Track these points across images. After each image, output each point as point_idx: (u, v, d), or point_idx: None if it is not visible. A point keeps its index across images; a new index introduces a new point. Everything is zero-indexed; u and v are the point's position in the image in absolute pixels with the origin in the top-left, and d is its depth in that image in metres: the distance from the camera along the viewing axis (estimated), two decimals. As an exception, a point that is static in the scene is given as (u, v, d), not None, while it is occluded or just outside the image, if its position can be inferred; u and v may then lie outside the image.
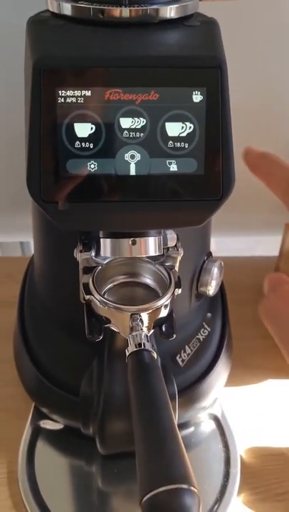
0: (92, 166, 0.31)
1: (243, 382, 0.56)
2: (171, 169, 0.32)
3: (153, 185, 0.32)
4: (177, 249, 0.40)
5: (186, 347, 0.48)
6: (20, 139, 0.34)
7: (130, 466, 0.45)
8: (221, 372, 0.50)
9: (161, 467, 0.28)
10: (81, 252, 0.38)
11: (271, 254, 0.71)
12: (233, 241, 0.80)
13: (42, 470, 0.46)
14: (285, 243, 0.67)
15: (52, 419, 0.48)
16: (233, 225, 0.71)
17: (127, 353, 0.36)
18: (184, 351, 0.48)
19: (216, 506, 0.44)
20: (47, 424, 0.49)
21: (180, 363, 0.47)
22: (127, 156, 0.32)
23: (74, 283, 0.40)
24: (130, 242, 0.35)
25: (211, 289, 0.48)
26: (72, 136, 0.31)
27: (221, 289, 0.54)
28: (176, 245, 0.39)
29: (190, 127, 0.31)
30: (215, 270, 0.48)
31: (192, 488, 0.27)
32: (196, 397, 0.47)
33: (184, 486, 0.27)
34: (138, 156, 0.32)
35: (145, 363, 0.35)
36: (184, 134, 0.32)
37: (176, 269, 0.41)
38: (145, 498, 0.27)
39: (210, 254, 0.49)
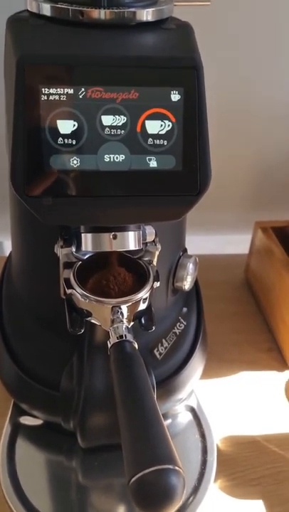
0: (75, 161, 0.32)
1: (218, 375, 0.58)
2: (151, 165, 0.33)
3: (134, 181, 0.33)
4: (155, 244, 0.41)
5: (163, 340, 0.49)
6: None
7: (111, 458, 0.47)
8: (197, 364, 0.51)
9: (147, 449, 0.29)
10: (62, 247, 0.39)
11: (241, 252, 0.74)
12: (205, 240, 0.82)
13: (23, 466, 0.47)
14: (254, 241, 0.69)
15: (32, 415, 0.49)
16: (205, 224, 0.73)
17: (109, 344, 0.37)
18: (161, 345, 0.49)
19: (194, 493, 0.45)
20: (27, 421, 0.49)
21: (157, 356, 0.48)
22: (108, 153, 0.33)
23: (54, 278, 0.41)
24: (111, 237, 0.36)
25: (187, 284, 0.49)
26: (56, 132, 0.32)
27: (196, 285, 0.55)
28: (154, 240, 0.41)
29: (169, 125, 0.33)
30: (190, 265, 0.49)
31: (177, 468, 0.28)
32: (173, 389, 0.48)
33: (170, 467, 0.28)
34: (119, 153, 0.33)
35: (127, 352, 0.35)
36: (163, 132, 0.33)
37: (154, 263, 0.42)
38: (133, 480, 0.28)
39: (185, 250, 0.51)
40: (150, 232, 0.39)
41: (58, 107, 0.32)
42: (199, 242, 0.82)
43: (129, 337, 0.37)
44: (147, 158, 0.33)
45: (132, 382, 0.33)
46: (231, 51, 0.65)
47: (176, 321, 0.51)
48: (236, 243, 0.75)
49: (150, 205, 0.34)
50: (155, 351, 0.48)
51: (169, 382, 0.48)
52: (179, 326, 0.51)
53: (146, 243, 0.40)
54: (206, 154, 0.33)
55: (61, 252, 0.39)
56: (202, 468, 0.47)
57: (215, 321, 0.59)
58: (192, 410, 0.52)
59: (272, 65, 0.68)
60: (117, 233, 0.36)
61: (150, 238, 0.39)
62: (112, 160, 0.33)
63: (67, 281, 0.40)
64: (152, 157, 0.33)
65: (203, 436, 0.49)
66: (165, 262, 0.46)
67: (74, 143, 0.32)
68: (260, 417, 0.54)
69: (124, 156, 0.33)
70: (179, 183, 0.33)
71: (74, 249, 0.39)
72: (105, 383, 0.43)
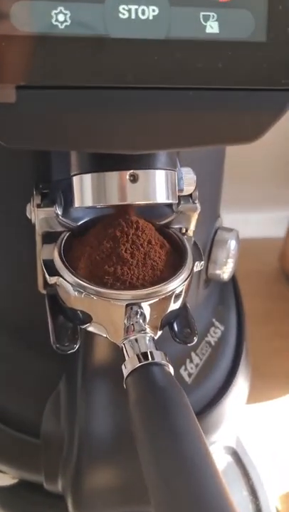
0: (61, 17, 0.17)
1: (261, 397, 0.44)
2: (208, 30, 0.18)
3: (174, 60, 0.18)
4: (193, 202, 0.26)
5: (193, 354, 0.35)
6: None
7: None
8: (241, 388, 0.37)
9: None
10: (39, 206, 0.25)
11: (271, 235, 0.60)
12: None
13: None
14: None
15: (1, 471, 0.35)
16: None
17: (126, 372, 0.21)
18: (191, 361, 0.35)
19: None
20: None
21: (186, 377, 0.34)
22: (126, 1, 0.17)
23: (27, 264, 0.28)
24: (128, 177, 0.21)
25: (227, 271, 0.34)
26: None
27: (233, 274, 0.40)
28: (191, 194, 0.25)
29: None
30: (232, 243, 0.34)
31: None
32: (210, 426, 0.35)
33: None
34: (147, 3, 0.17)
35: (160, 385, 0.21)
36: None
37: (191, 232, 0.26)
38: None
39: (221, 221, 0.36)
40: (190, 177, 0.24)
41: None
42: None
43: (158, 356, 0.23)
44: (202, 14, 0.18)
45: (176, 447, 0.19)
46: None
47: (210, 325, 0.37)
48: (262, 223, 0.61)
49: (206, 110, 0.18)
50: (182, 371, 0.34)
51: (204, 418, 0.34)
52: (214, 332, 0.37)
53: (181, 198, 0.25)
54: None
55: (37, 214, 0.25)
56: None
57: (250, 323, 0.45)
58: (233, 454, 0.37)
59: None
60: (138, 172, 0.21)
61: (189, 189, 0.24)
62: (133, 17, 0.18)
63: (49, 264, 0.25)
64: (211, 13, 0.18)
65: (253, 493, 0.35)
66: (195, 237, 0.31)
67: (59, -23, 0.16)
68: None
69: (156, 10, 0.18)
70: (261, 65, 0.18)
71: (59, 210, 0.25)
72: (111, 422, 0.31)
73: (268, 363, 0.46)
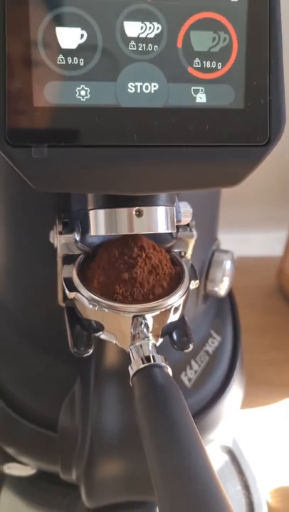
0: (83, 92, 0.21)
1: (256, 402, 0.47)
2: (198, 100, 0.22)
3: (171, 124, 0.22)
4: (190, 230, 0.30)
5: (193, 362, 0.39)
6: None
7: None
8: (236, 392, 0.40)
9: None
10: (60, 233, 0.28)
11: (267, 253, 0.63)
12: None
13: None
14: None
15: (20, 462, 0.38)
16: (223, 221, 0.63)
17: (131, 372, 0.25)
18: (190, 367, 0.38)
19: None
20: (13, 469, 0.39)
21: (186, 382, 0.37)
22: (134, 80, 0.22)
23: (47, 280, 0.31)
24: (134, 213, 0.25)
25: (223, 288, 0.38)
26: (53, 47, 0.21)
27: (230, 290, 0.44)
28: (189, 224, 0.30)
29: (224, 39, 0.22)
30: (227, 263, 0.38)
31: None
32: (208, 425, 0.38)
33: None
34: (150, 80, 0.22)
35: (160, 383, 0.25)
36: (216, 49, 0.22)
37: (189, 256, 0.31)
38: None
39: (218, 243, 0.40)
40: (186, 210, 0.28)
41: (57, 5, 0.21)
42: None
43: (159, 359, 0.26)
44: (192, 89, 0.22)
45: (173, 433, 0.23)
46: None
47: (208, 336, 0.40)
48: (259, 243, 0.65)
49: (196, 161, 0.23)
50: (183, 376, 0.37)
51: (201, 418, 0.37)
52: (212, 342, 0.40)
53: (179, 227, 0.29)
54: (280, 84, 0.22)
55: (59, 240, 0.29)
56: (252, 536, 0.35)
57: (248, 335, 0.48)
58: (229, 452, 0.40)
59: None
60: (143, 208, 0.25)
61: (186, 220, 0.28)
62: (139, 91, 0.22)
63: (68, 281, 0.29)
64: (200, 88, 0.22)
65: (247, 488, 0.38)
66: (194, 258, 0.35)
67: (82, 63, 0.21)
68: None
69: (157, 86, 0.22)
70: (240, 127, 0.23)
71: (77, 237, 0.28)
72: (120, 419, 0.34)
73: (263, 372, 0.49)
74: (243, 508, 0.37)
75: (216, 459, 0.40)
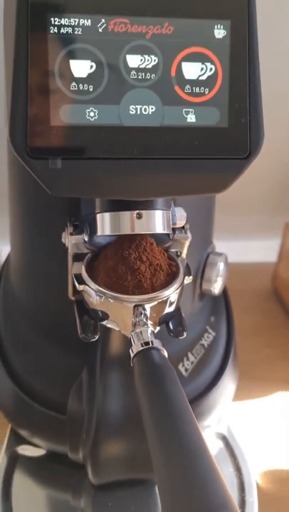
0: (92, 114, 0.25)
1: (249, 395, 0.50)
2: (189, 120, 0.26)
3: (166, 140, 0.26)
4: (185, 232, 0.34)
5: (190, 354, 0.42)
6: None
7: (128, 498, 0.39)
8: (229, 382, 0.43)
9: (195, 494, 0.21)
10: (71, 234, 0.32)
11: (263, 260, 0.67)
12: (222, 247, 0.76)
13: (21, 505, 0.39)
14: (285, 244, 0.62)
15: (32, 444, 0.41)
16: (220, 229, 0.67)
17: (132, 354, 0.29)
18: (187, 359, 0.41)
19: None
20: (26, 450, 0.42)
21: (183, 372, 0.41)
22: (134, 103, 0.26)
23: (58, 276, 0.35)
24: (135, 215, 0.29)
25: (217, 287, 0.42)
26: (68, 76, 0.25)
27: (224, 290, 0.48)
28: (184, 227, 0.33)
29: (211, 69, 0.26)
30: (221, 265, 0.42)
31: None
32: (203, 412, 0.41)
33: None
34: (148, 103, 0.26)
35: (156, 363, 0.28)
36: (204, 77, 0.26)
37: (184, 255, 0.34)
38: None
39: (213, 246, 0.43)
40: (181, 215, 0.32)
41: (70, 42, 0.25)
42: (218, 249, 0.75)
43: (157, 344, 0.30)
44: (184, 110, 0.26)
45: (167, 404, 0.26)
46: None
47: (204, 331, 0.44)
48: (256, 249, 0.68)
49: (187, 172, 0.27)
50: (180, 366, 0.41)
51: (197, 404, 0.40)
52: (207, 336, 0.44)
53: (175, 230, 0.33)
54: (258, 107, 0.26)
55: (70, 241, 0.32)
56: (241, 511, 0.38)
57: (242, 335, 0.51)
58: (223, 438, 0.44)
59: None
60: (142, 211, 0.29)
61: (181, 223, 0.32)
62: (139, 112, 0.26)
63: (77, 276, 0.33)
64: (190, 109, 0.26)
65: (238, 469, 0.41)
66: (191, 260, 0.39)
67: (91, 89, 0.25)
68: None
69: (154, 108, 0.26)
70: (224, 143, 0.26)
71: (86, 238, 0.32)
72: (123, 404, 0.36)
73: (256, 369, 0.52)
74: (234, 487, 0.40)
75: (212, 444, 0.44)
